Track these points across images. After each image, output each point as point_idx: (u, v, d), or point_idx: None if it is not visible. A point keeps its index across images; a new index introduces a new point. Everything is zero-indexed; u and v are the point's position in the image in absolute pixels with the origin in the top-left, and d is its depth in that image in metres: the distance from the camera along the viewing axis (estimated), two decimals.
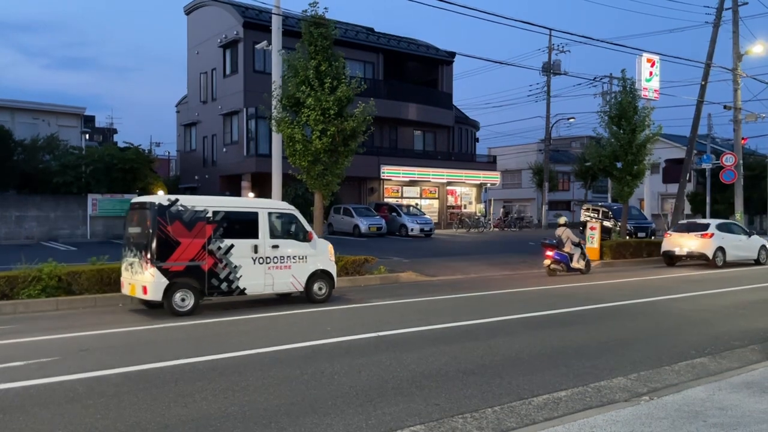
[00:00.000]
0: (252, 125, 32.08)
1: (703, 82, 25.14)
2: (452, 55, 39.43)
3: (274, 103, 14.74)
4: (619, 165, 21.04)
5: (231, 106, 33.11)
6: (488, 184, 41.67)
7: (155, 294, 9.70)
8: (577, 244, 16.86)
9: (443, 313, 10.12)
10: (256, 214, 10.84)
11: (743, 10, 27.04)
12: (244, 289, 10.56)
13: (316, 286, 11.35)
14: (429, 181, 37.33)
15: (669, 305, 11.20)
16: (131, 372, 6.26)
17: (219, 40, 33.47)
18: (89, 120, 45.62)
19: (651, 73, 24.69)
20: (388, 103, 33.42)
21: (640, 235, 26.11)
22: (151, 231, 9.78)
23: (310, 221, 16.24)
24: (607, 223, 26.11)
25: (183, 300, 9.87)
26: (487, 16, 15.66)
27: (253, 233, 10.68)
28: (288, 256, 11.03)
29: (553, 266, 16.41)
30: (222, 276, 10.26)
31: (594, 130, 23.24)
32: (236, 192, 32.92)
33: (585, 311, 10.44)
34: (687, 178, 26.42)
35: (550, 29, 28.21)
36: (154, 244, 9.71)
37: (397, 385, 5.79)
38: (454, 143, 41.40)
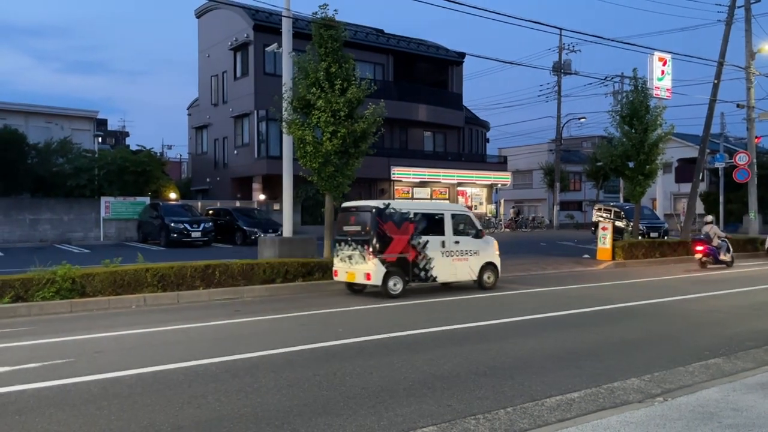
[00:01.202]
0: (263, 127, 32.20)
1: (715, 81, 24.93)
2: (462, 55, 39.38)
3: (284, 105, 14.79)
4: (630, 165, 20.90)
5: (242, 108, 33.25)
6: (499, 185, 41.57)
7: (377, 279, 11.86)
8: (723, 239, 18.95)
9: (453, 315, 10.11)
10: (442, 215, 12.97)
11: (756, 8, 26.89)
12: (436, 277, 12.67)
13: (485, 276, 13.37)
14: (439, 182, 37.29)
15: (682, 306, 11.12)
16: (145, 373, 6.30)
17: (229, 43, 33.63)
18: (102, 123, 46.01)
19: (663, 72, 24.50)
20: (398, 104, 33.42)
21: (652, 235, 25.91)
22: (372, 229, 11.98)
23: (321, 223, 16.29)
24: (619, 224, 25.97)
25: (395, 285, 12.00)
26: (497, 16, 15.65)
27: (440, 231, 12.77)
28: (466, 250, 13.10)
29: (704, 259, 18.57)
30: (421, 266, 12.41)
31: (605, 130, 23.10)
32: (247, 194, 33.05)
33: (597, 312, 10.39)
34: (700, 178, 26.19)
35: (561, 29, 28.17)
36: (375, 240, 11.90)
37: (409, 386, 5.79)
38: (465, 144, 41.33)
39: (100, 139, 36.46)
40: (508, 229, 37.57)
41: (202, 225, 23.81)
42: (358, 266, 12.10)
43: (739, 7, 25.61)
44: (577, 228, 42.52)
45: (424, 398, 5.43)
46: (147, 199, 27.13)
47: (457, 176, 37.43)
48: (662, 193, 41.10)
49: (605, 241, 19.87)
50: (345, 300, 11.77)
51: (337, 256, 12.73)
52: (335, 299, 11.86)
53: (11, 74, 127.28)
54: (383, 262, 11.89)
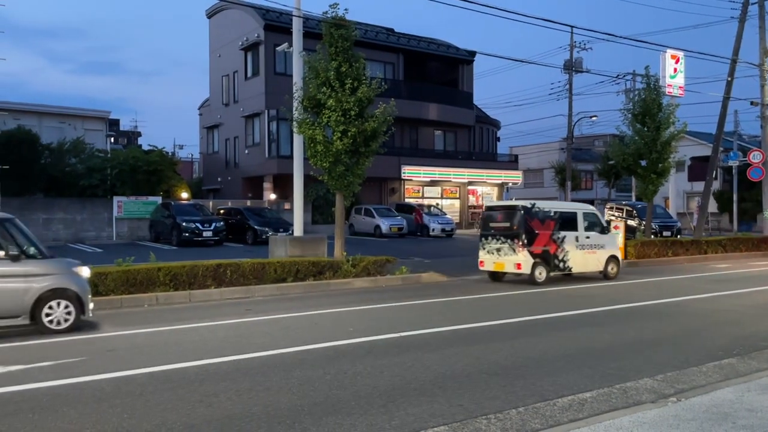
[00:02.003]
0: (273, 127, 32.28)
1: (729, 78, 24.69)
2: (472, 54, 39.27)
3: (295, 104, 14.81)
4: (643, 163, 20.73)
5: (253, 108, 33.36)
6: (510, 184, 41.43)
7: (527, 269, 13.65)
8: None
9: (465, 314, 10.09)
10: (575, 213, 14.73)
11: None
12: (571, 268, 14.36)
13: (609, 267, 15.03)
14: (450, 181, 37.23)
15: (695, 305, 11.03)
16: (157, 372, 6.33)
17: (240, 43, 33.75)
18: (114, 123, 46.33)
19: (675, 70, 24.29)
20: (409, 104, 33.39)
21: (665, 234, 25.70)
22: (521, 225, 13.74)
23: (331, 222, 16.20)
24: (631, 222, 25.78)
25: (540, 273, 13.77)
26: (507, 14, 15.58)
27: (574, 227, 14.50)
28: (595, 245, 14.81)
29: None
30: (560, 258, 14.15)
31: (617, 128, 22.94)
32: (258, 194, 33.16)
33: (609, 311, 10.32)
34: (713, 176, 25.97)
35: (572, 26, 27.96)
36: (524, 235, 13.67)
37: (419, 386, 5.78)
38: (475, 143, 41.23)
39: (112, 139, 36.72)
40: None
41: (213, 224, 23.90)
42: (508, 257, 13.85)
43: (753, 3, 25.35)
44: None
45: (435, 397, 5.42)
46: (159, 199, 27.29)
47: (468, 175, 37.34)
48: (675, 191, 40.74)
49: (618, 239, 19.72)
50: (357, 299, 11.76)
51: (484, 248, 14.42)
52: (346, 298, 11.87)
53: (25, 75, 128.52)
54: (531, 253, 13.69)
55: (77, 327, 8.66)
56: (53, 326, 8.48)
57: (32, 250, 8.61)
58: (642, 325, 9.05)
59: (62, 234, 25.75)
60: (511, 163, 43.20)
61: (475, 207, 38.58)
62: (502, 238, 14.04)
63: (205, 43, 39.26)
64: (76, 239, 25.71)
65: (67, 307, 8.54)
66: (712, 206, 34.70)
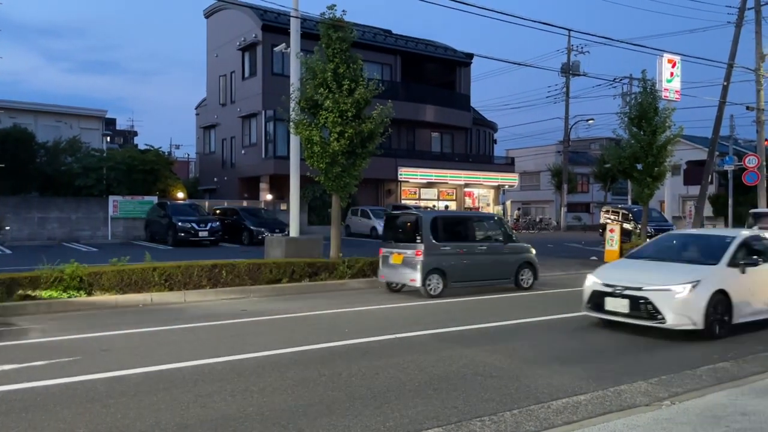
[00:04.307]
0: (270, 127, 32.25)
1: (725, 83, 24.78)
2: (470, 56, 39.33)
3: (292, 105, 14.79)
4: (639, 167, 20.78)
5: (249, 108, 33.32)
6: (506, 186, 41.48)
7: None
8: None
9: (459, 316, 10.09)
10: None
11: (766, 10, 26.58)
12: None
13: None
14: (446, 182, 37.24)
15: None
16: (151, 372, 6.32)
17: (238, 43, 33.72)
18: (110, 123, 46.26)
19: (672, 74, 24.34)
20: (406, 105, 33.40)
21: None
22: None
23: (328, 223, 16.19)
24: (627, 226, 25.83)
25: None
26: (505, 17, 15.62)
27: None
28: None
29: None
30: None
31: (614, 132, 22.96)
32: (254, 194, 33.12)
33: None
34: (709, 180, 26.04)
35: (569, 30, 28.05)
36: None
37: (414, 388, 5.78)
38: (472, 145, 41.27)
39: (108, 139, 36.72)
40: (514, 231, 37.45)
41: (209, 224, 23.84)
42: None
43: (749, 9, 25.46)
44: (584, 230, 42.37)
45: (430, 399, 5.42)
46: (155, 199, 27.23)
47: (465, 177, 37.36)
48: (671, 195, 40.87)
49: (613, 243, 19.77)
50: (352, 300, 11.74)
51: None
52: (342, 299, 11.85)
53: (22, 73, 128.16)
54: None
55: (532, 287, 13.31)
56: (524, 285, 13.29)
57: (513, 237, 13.80)
58: (636, 328, 9.07)
59: (57, 233, 25.66)
60: (508, 165, 43.25)
61: (471, 209, 38.62)
62: None
63: (203, 43, 39.25)
64: (71, 238, 25.63)
65: (530, 273, 13.45)
66: (708, 210, 34.78)
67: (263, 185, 32.94)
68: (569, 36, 41.93)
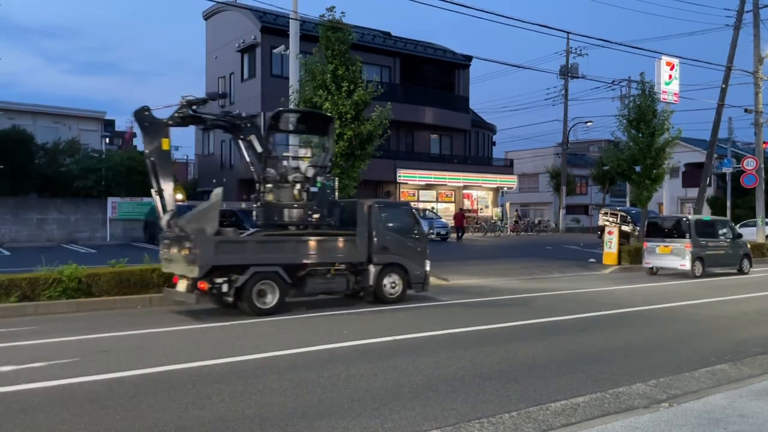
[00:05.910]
0: None
1: (723, 85, 24.84)
2: (469, 58, 39.37)
3: (291, 107, 14.81)
4: (637, 169, 20.85)
5: (249, 110, 32.94)
6: (505, 188, 41.50)
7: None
8: None
9: (458, 318, 10.10)
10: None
11: (764, 13, 26.89)
12: None
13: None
14: (445, 184, 37.26)
15: (688, 311, 11.07)
16: (149, 373, 6.31)
17: (237, 45, 33.74)
18: (109, 124, 46.19)
19: (670, 76, 24.41)
20: (405, 107, 33.40)
21: None
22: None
23: None
24: (625, 228, 25.84)
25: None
26: (504, 19, 15.67)
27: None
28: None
29: None
30: None
31: (612, 134, 23.05)
32: None
33: (603, 316, 10.34)
34: (707, 183, 26.09)
35: (568, 32, 28.03)
36: None
37: (413, 390, 5.78)
38: (471, 147, 41.30)
39: (107, 140, 36.67)
40: (513, 233, 37.45)
41: None
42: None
43: (747, 11, 25.53)
44: (583, 232, 42.40)
45: (428, 401, 5.42)
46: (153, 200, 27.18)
47: (463, 179, 37.39)
48: (669, 197, 40.94)
49: (611, 245, 19.80)
50: (349, 302, 11.73)
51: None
52: (340, 301, 11.85)
53: (20, 75, 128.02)
54: None
55: (747, 273, 18.09)
56: (745, 271, 18.15)
57: (739, 235, 18.62)
58: (635, 330, 9.08)
59: (56, 234, 25.64)
60: (507, 167, 43.27)
61: (470, 211, 38.62)
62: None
63: (202, 45, 39.27)
64: (70, 240, 25.61)
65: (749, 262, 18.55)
66: (706, 213, 34.80)
67: None
68: (568, 38, 41.98)
